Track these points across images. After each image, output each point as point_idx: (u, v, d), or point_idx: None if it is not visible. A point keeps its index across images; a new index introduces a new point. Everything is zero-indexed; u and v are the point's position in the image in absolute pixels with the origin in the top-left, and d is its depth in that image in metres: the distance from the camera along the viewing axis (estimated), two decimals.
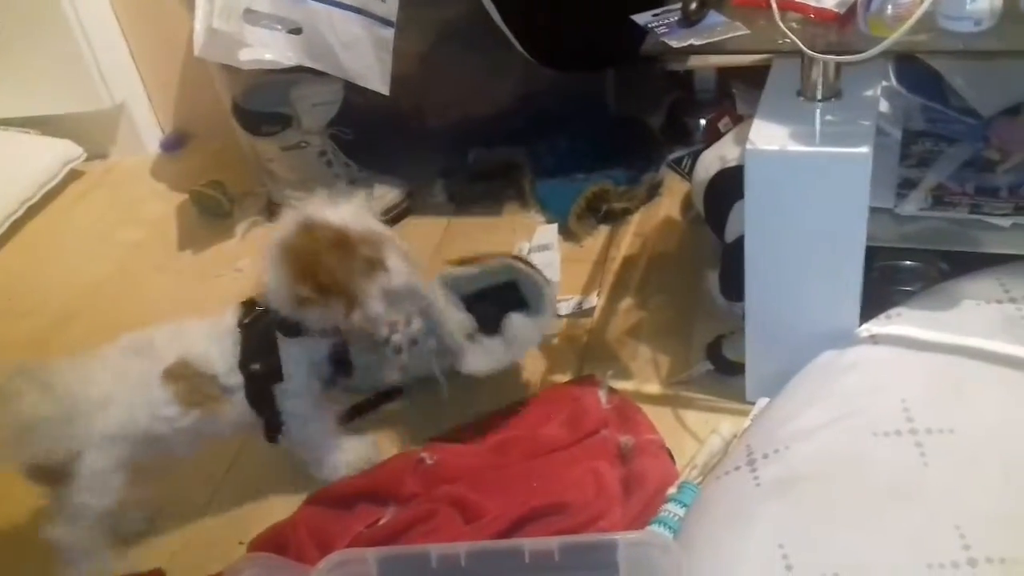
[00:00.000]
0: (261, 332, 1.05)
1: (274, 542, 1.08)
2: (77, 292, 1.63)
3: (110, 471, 1.03)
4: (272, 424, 1.09)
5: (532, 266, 1.21)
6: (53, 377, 0.99)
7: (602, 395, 1.18)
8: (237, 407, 1.06)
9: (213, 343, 1.05)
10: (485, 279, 1.21)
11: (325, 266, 1.00)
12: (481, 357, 1.15)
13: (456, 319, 1.17)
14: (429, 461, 1.12)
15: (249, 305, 1.07)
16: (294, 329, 1.05)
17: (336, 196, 1.06)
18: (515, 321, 1.16)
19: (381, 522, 1.09)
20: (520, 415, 1.18)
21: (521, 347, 1.17)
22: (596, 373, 1.23)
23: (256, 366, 1.04)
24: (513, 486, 1.07)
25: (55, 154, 1.93)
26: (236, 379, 1.05)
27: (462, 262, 1.22)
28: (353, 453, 1.15)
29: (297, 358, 1.07)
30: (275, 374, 1.06)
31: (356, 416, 1.26)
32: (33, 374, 0.98)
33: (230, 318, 1.07)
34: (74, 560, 1.05)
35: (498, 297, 1.20)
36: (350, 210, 1.04)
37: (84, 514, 1.03)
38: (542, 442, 1.13)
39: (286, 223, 1.04)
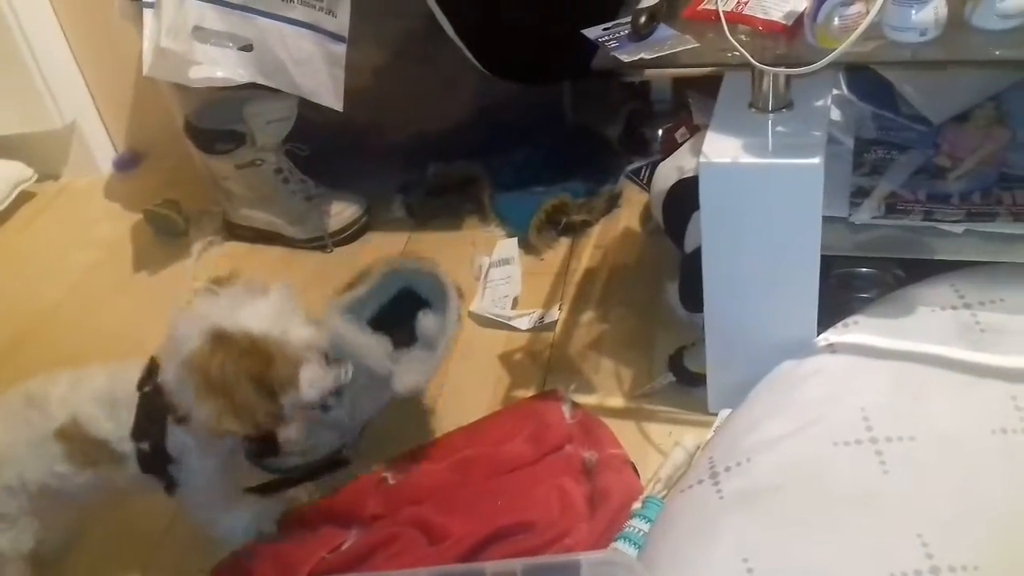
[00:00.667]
0: (153, 411, 0.97)
1: (235, 570, 1.06)
2: (30, 316, 1.60)
3: (16, 518, 0.99)
4: (170, 487, 1.02)
5: (417, 260, 1.16)
6: None
7: (566, 410, 1.17)
8: (131, 471, 0.99)
9: (105, 408, 0.98)
10: (376, 298, 1.15)
11: (238, 399, 0.92)
12: (412, 372, 1.09)
13: (372, 345, 1.08)
14: (391, 481, 1.11)
15: (153, 368, 0.98)
16: (181, 416, 0.96)
17: (255, 291, 0.97)
18: (426, 321, 1.11)
19: (344, 546, 1.07)
20: (483, 432, 1.17)
21: (445, 344, 1.11)
22: (559, 388, 1.22)
23: (144, 446, 0.97)
24: (477, 505, 1.06)
25: (5, 176, 1.89)
26: (128, 447, 0.98)
27: (348, 287, 1.15)
28: (248, 520, 1.08)
29: (191, 446, 0.99)
30: (164, 456, 0.98)
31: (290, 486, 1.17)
32: None
33: (131, 376, 0.99)
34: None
35: (396, 313, 1.14)
36: (268, 311, 0.94)
37: (5, 555, 1.00)
38: (506, 459, 1.12)
39: (192, 331, 0.93)
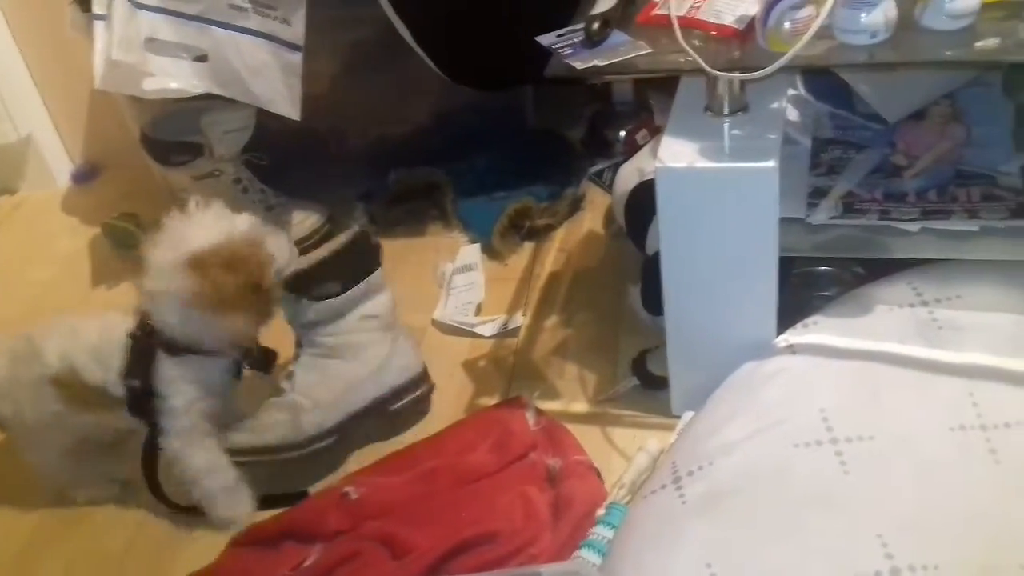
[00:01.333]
0: (143, 351, 1.05)
1: None
2: None
3: (35, 435, 1.12)
4: (153, 435, 1.09)
5: None
6: None
7: (529, 417, 1.16)
8: (123, 413, 1.08)
9: (98, 355, 1.06)
10: None
11: (247, 303, 1.02)
12: None
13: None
14: (354, 495, 1.09)
15: (143, 316, 1.06)
16: (178, 349, 1.05)
17: (189, 212, 1.04)
18: None
19: (307, 563, 1.05)
20: (445, 443, 1.16)
21: None
22: (522, 395, 1.22)
23: (134, 383, 1.05)
24: (441, 517, 1.05)
25: None
26: (121, 390, 1.06)
27: None
28: (237, 495, 1.13)
29: (180, 377, 1.06)
30: (151, 392, 1.06)
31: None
32: None
33: (122, 324, 1.07)
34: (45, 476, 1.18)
35: None
36: (211, 221, 1.03)
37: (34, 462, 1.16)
38: (469, 469, 1.11)
39: (169, 269, 1.01)
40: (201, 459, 1.09)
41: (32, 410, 1.09)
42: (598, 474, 1.09)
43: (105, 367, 1.06)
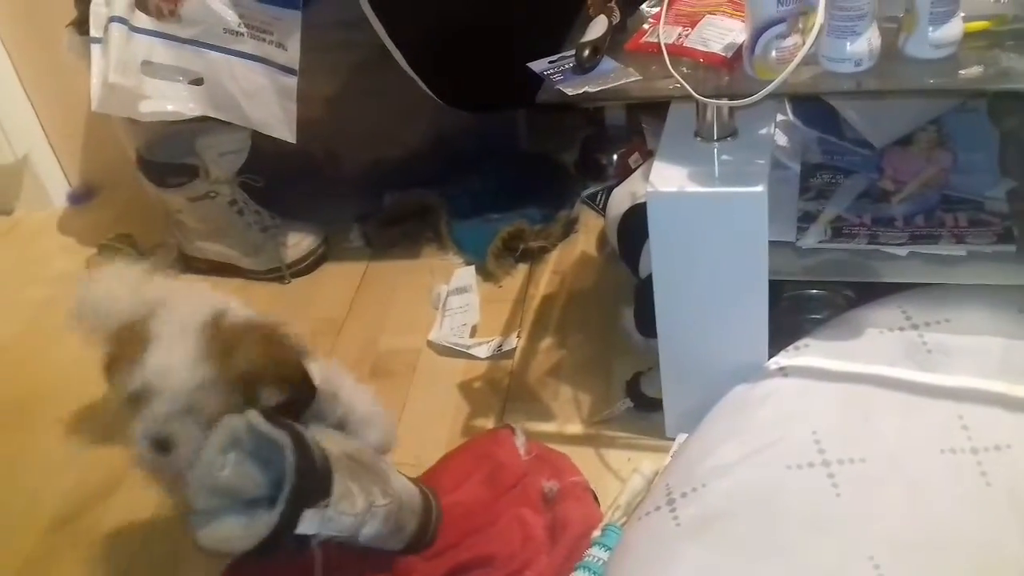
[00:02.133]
0: None
1: None
2: None
3: None
4: None
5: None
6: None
7: (519, 445, 1.15)
8: None
9: None
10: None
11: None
12: None
13: None
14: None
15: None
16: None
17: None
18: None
19: None
20: (437, 479, 1.13)
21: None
22: (509, 424, 1.20)
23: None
24: (437, 542, 1.05)
25: None
26: None
27: None
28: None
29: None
30: None
31: None
32: None
33: None
34: None
35: None
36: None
37: None
38: (462, 505, 1.09)
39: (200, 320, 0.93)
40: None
41: None
42: (594, 495, 1.10)
43: None
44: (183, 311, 0.94)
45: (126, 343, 0.93)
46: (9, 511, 1.25)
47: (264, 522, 0.85)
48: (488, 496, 1.09)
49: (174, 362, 0.89)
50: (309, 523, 0.87)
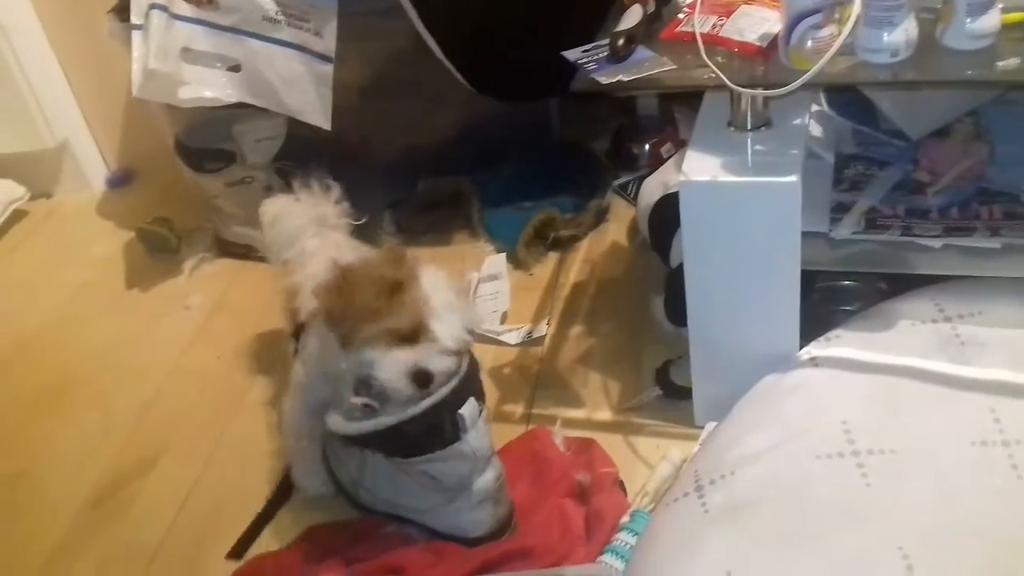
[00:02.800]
0: None
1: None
2: (21, 336, 1.60)
3: None
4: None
5: None
6: None
7: (559, 443, 1.16)
8: None
9: None
10: None
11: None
12: None
13: None
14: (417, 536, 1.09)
15: None
16: None
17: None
18: None
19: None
20: None
21: None
22: (542, 426, 1.20)
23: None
24: None
25: None
26: None
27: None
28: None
29: None
30: None
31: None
32: None
33: None
34: None
35: None
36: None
37: None
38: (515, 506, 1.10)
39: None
40: None
41: None
42: (623, 487, 1.11)
43: None
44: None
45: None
46: (49, 486, 1.28)
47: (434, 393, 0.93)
48: (537, 495, 1.10)
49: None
50: (470, 410, 0.96)
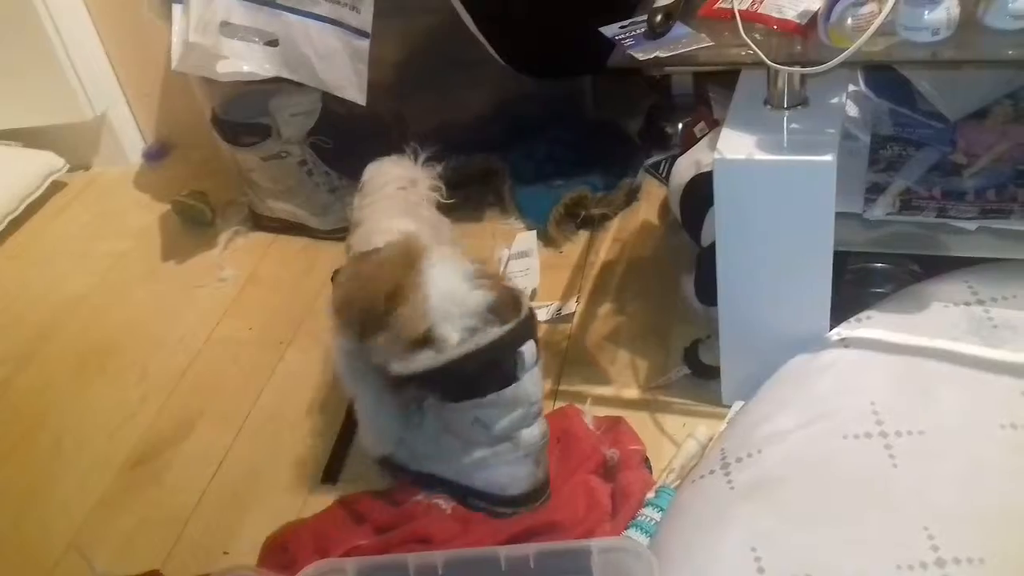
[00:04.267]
0: None
1: (281, 540, 1.09)
2: (60, 305, 1.63)
3: None
4: None
5: None
6: None
7: (588, 421, 1.16)
8: None
9: None
10: None
11: None
12: None
13: None
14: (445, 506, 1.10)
15: None
16: None
17: None
18: None
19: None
20: None
21: None
22: (572, 404, 1.20)
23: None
24: None
25: (37, 166, 1.93)
26: None
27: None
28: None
29: None
30: None
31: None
32: None
33: None
34: None
35: None
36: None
37: None
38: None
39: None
40: None
41: None
42: (649, 464, 1.11)
43: None
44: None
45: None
46: (87, 451, 1.31)
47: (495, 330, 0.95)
48: (566, 470, 1.11)
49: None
50: (529, 350, 0.97)
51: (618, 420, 1.17)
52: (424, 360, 0.95)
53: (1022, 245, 1.02)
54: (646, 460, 1.12)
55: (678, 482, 1.07)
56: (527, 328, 0.98)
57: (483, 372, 0.96)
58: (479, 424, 1.00)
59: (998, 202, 1.05)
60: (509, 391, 0.97)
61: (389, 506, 1.11)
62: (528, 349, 0.97)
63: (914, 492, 0.90)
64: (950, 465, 0.92)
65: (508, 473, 1.05)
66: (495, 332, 0.95)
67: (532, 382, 0.99)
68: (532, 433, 1.02)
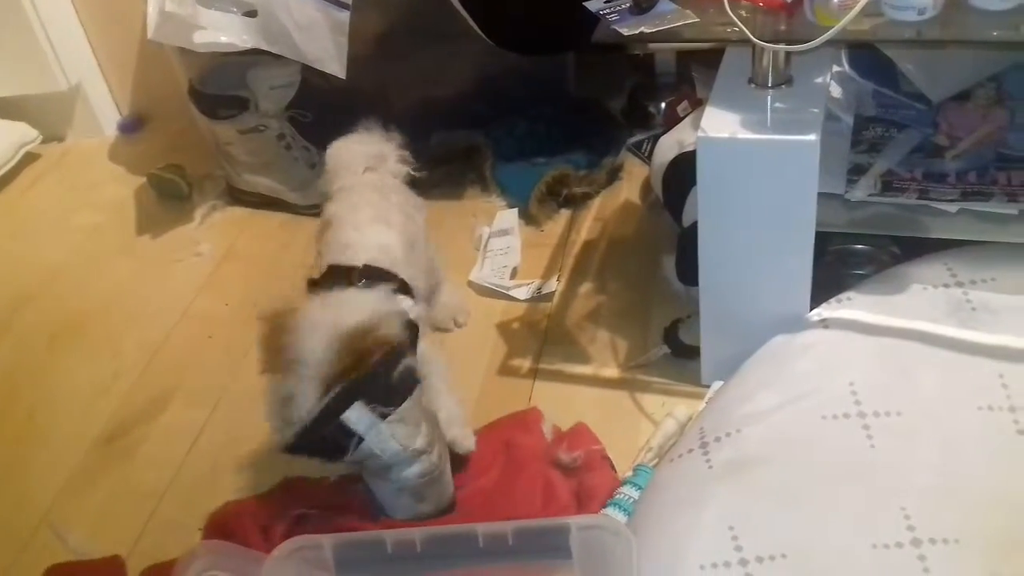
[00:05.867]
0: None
1: (222, 519, 1.08)
2: (33, 278, 1.61)
3: None
4: None
5: None
6: None
7: (546, 429, 1.14)
8: None
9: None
10: None
11: None
12: None
13: None
14: None
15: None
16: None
17: None
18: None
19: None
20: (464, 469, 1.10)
21: None
22: (535, 407, 1.18)
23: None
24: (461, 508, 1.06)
25: (10, 137, 1.90)
26: None
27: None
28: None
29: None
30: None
31: None
32: None
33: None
34: None
35: None
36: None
37: None
38: (484, 492, 1.08)
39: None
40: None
41: None
42: (612, 464, 1.09)
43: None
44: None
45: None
46: (63, 421, 1.30)
47: (317, 404, 0.91)
48: (516, 469, 1.09)
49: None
50: (357, 417, 0.92)
51: (577, 424, 1.14)
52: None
53: (1002, 228, 1.03)
54: (610, 460, 1.09)
55: (656, 460, 1.07)
56: (352, 394, 0.92)
57: (324, 441, 0.93)
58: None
59: (979, 185, 1.06)
60: (358, 453, 0.94)
61: (330, 489, 1.10)
62: (356, 415, 0.92)
63: (891, 472, 0.91)
64: (927, 446, 0.92)
65: (389, 502, 1.03)
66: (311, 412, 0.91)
67: (379, 441, 0.94)
68: (409, 472, 0.98)
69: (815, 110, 0.96)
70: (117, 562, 1.08)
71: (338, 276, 1.05)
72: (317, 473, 1.12)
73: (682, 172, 1.22)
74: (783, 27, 0.91)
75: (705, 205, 1.02)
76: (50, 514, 1.16)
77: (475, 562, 0.92)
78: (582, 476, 1.07)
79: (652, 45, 1.30)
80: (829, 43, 0.86)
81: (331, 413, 0.92)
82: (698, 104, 1.51)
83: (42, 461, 1.24)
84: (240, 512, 1.09)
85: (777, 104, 0.98)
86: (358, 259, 1.05)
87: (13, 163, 1.89)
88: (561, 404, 1.19)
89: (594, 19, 0.97)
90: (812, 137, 0.93)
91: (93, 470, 1.22)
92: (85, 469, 1.22)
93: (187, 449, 1.22)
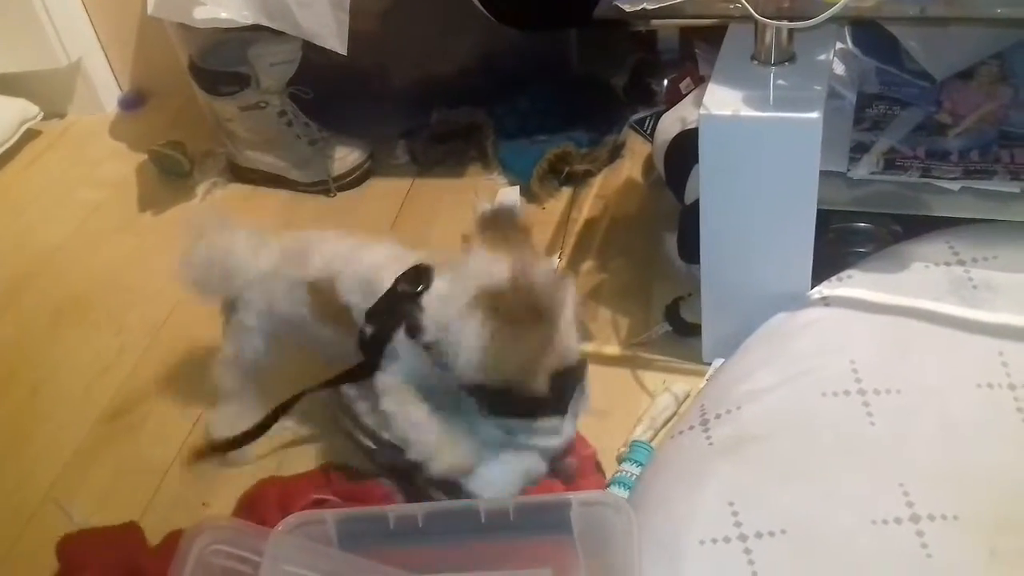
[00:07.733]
0: (394, 310, 0.97)
1: (250, 498, 1.08)
2: (35, 255, 1.61)
3: (252, 332, 1.11)
4: (364, 370, 1.02)
5: None
6: (238, 241, 1.10)
7: None
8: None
9: (361, 284, 1.00)
10: None
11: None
12: None
13: None
14: None
15: (423, 274, 0.98)
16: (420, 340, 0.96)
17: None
18: None
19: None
20: None
21: None
22: None
23: (369, 329, 0.99)
24: None
25: (10, 113, 1.89)
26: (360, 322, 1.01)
27: None
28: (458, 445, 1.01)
29: (406, 355, 0.99)
30: (378, 349, 0.99)
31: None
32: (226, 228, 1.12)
33: (395, 267, 0.99)
34: (223, 400, 1.16)
35: None
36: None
37: (228, 363, 1.13)
38: None
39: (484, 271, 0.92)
40: (416, 415, 1.01)
41: (285, 305, 1.07)
42: (600, 468, 1.08)
43: (362, 295, 1.00)
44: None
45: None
46: (67, 398, 1.30)
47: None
48: None
49: None
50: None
51: None
52: None
53: (1004, 206, 1.03)
54: (598, 464, 1.08)
55: (649, 433, 1.07)
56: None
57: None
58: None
59: (982, 163, 1.05)
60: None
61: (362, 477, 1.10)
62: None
63: (890, 449, 0.91)
64: (927, 423, 0.93)
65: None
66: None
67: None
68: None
69: (818, 88, 0.96)
70: (134, 528, 1.07)
71: None
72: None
73: (684, 150, 1.21)
74: (786, 4, 0.91)
75: (707, 183, 1.02)
76: (55, 489, 1.16)
77: (477, 537, 0.93)
78: (580, 483, 1.06)
79: (654, 21, 1.29)
80: (832, 20, 0.86)
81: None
82: (701, 81, 1.50)
83: (45, 439, 1.25)
84: (267, 491, 1.09)
85: (780, 81, 0.98)
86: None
87: (14, 140, 1.88)
88: None
89: None
90: (815, 115, 0.93)
91: (98, 446, 1.22)
92: (90, 445, 1.22)
93: (191, 426, 1.23)
